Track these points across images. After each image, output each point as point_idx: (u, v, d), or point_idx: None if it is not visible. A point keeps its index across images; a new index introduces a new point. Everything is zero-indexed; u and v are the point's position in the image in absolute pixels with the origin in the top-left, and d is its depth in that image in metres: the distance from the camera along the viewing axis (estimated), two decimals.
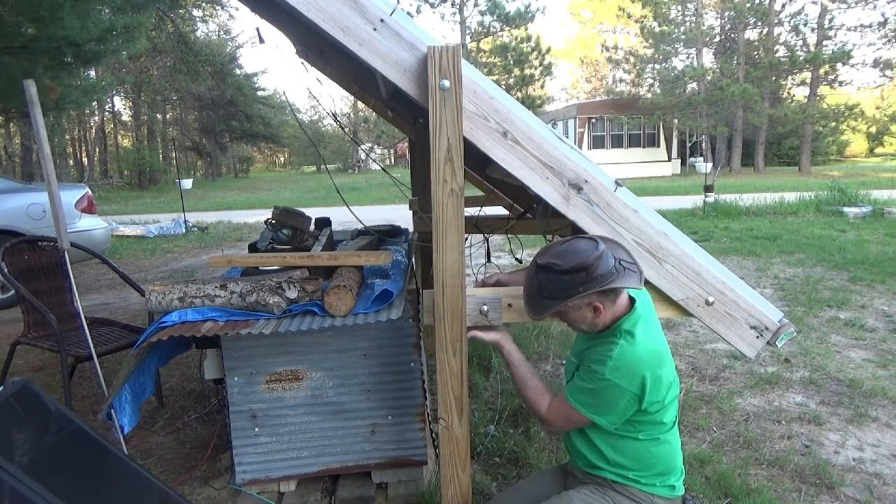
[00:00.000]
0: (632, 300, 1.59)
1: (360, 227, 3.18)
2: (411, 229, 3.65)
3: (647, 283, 1.82)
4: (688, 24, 26.69)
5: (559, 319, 1.61)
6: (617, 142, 25.65)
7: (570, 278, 1.47)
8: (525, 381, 1.66)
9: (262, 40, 2.50)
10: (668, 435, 1.59)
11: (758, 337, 1.87)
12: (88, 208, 5.86)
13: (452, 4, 25.65)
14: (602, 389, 1.49)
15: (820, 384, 3.29)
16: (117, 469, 1.74)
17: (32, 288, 2.97)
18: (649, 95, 26.59)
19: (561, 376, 3.48)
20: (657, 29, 26.30)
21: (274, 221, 2.77)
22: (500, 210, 4.06)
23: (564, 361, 1.84)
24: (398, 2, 1.93)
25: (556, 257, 1.51)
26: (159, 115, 33.46)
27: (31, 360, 3.88)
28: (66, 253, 2.52)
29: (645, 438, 1.56)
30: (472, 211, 3.06)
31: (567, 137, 12.71)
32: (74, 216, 5.58)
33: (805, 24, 24.54)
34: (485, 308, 1.81)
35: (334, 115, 3.81)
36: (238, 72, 32.48)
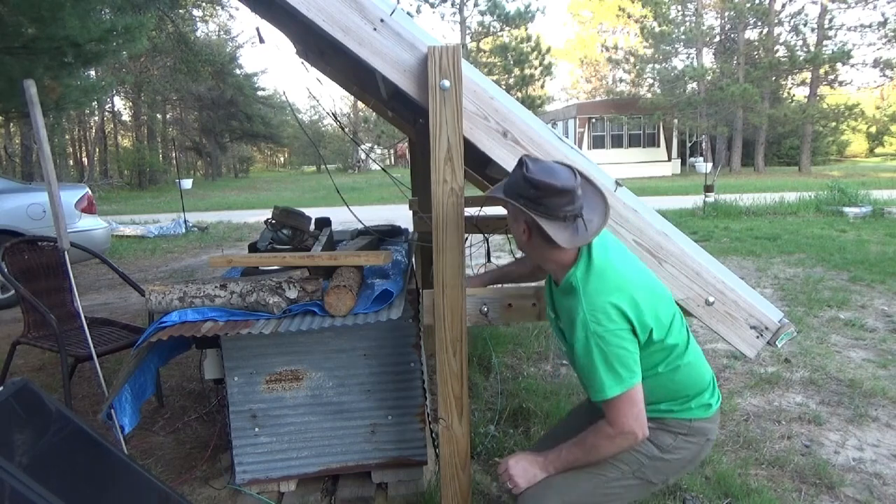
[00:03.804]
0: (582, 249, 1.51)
1: (360, 227, 3.18)
2: (411, 229, 3.65)
3: None
4: (688, 24, 26.69)
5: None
6: (617, 142, 25.65)
7: (524, 185, 1.44)
8: (588, 451, 1.48)
9: (262, 40, 2.50)
10: (685, 356, 1.51)
11: (758, 337, 1.87)
12: (88, 208, 5.86)
13: (452, 4, 25.65)
14: (607, 349, 1.39)
15: (820, 384, 3.29)
16: (117, 469, 1.74)
17: (32, 288, 2.97)
18: (649, 95, 26.60)
19: (561, 376, 3.48)
20: (657, 29, 26.31)
21: (274, 221, 2.77)
22: (500, 210, 4.06)
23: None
24: (398, 2, 1.93)
25: (535, 162, 1.48)
26: (159, 115, 33.49)
27: (31, 360, 3.88)
28: (66, 253, 2.52)
29: (665, 370, 1.49)
30: (472, 211, 3.05)
31: (567, 137, 12.71)
32: (74, 216, 5.58)
33: (805, 24, 24.55)
34: (485, 308, 1.82)
35: (334, 115, 3.81)
36: (238, 72, 32.52)
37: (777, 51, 25.29)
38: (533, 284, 2.08)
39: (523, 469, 1.53)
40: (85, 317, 2.57)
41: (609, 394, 1.40)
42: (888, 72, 23.82)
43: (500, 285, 2.05)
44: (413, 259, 3.01)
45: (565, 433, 1.65)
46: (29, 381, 1.66)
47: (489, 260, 3.13)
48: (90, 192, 6.04)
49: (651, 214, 1.81)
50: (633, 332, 1.42)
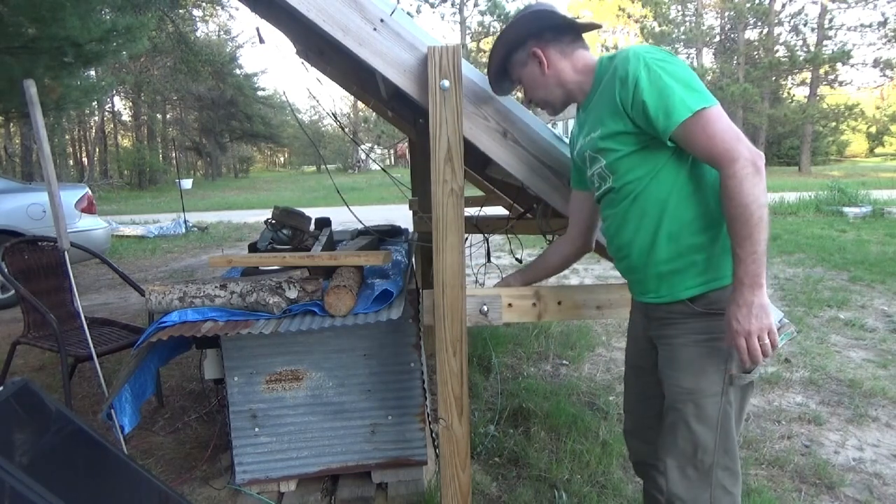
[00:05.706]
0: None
1: (360, 227, 3.18)
2: (411, 229, 3.65)
3: None
4: (688, 24, 26.71)
5: (525, 96, 1.54)
6: None
7: (504, 36, 1.46)
8: (744, 224, 1.17)
9: (262, 40, 2.50)
10: None
11: None
12: (88, 208, 5.85)
13: (452, 4, 25.67)
14: (674, 72, 1.22)
15: (820, 384, 3.29)
16: (117, 469, 1.74)
17: (32, 288, 2.97)
18: None
19: (561, 376, 3.48)
20: (657, 29, 26.32)
21: (274, 221, 2.77)
22: (500, 210, 4.06)
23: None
24: (398, 2, 1.93)
25: None
26: (159, 115, 33.54)
27: (31, 360, 3.88)
28: (66, 253, 2.52)
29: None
30: (472, 211, 3.06)
31: (567, 137, 12.67)
32: (74, 216, 5.58)
33: (805, 24, 24.56)
34: (485, 308, 1.81)
35: (334, 115, 3.81)
36: (238, 72, 32.55)
37: (777, 51, 25.30)
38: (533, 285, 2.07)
39: (757, 320, 1.22)
40: (85, 317, 2.57)
41: (694, 105, 1.18)
42: (888, 72, 23.82)
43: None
44: (413, 259, 3.01)
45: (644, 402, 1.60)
46: (29, 381, 1.66)
47: (489, 260, 3.13)
48: (90, 192, 6.04)
49: None
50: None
